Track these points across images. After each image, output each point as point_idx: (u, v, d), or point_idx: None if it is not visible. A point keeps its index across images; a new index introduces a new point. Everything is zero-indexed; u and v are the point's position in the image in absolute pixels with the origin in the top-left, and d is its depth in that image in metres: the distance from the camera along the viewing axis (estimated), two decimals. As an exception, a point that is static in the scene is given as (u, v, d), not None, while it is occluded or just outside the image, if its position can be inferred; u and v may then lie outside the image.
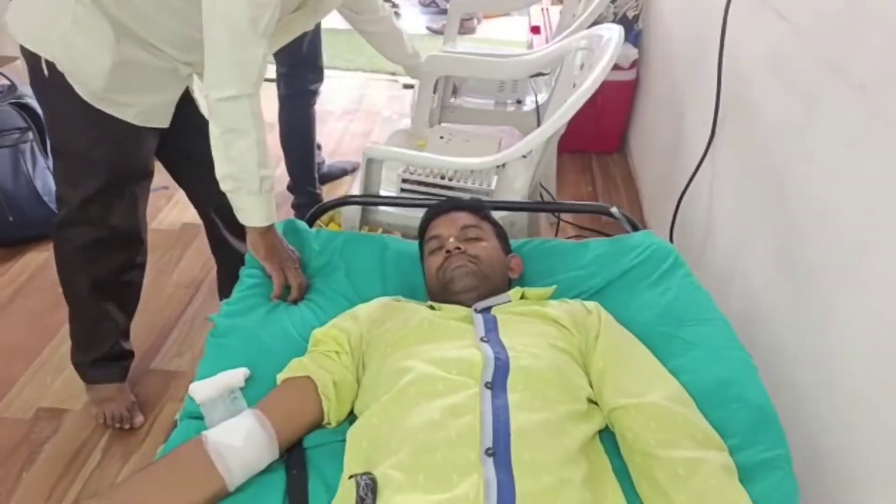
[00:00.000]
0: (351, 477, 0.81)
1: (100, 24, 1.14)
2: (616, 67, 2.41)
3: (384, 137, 2.03)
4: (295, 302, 1.18)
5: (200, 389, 0.98)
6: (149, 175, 1.42)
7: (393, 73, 3.52)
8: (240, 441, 0.87)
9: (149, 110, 1.26)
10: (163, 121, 1.30)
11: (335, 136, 2.87)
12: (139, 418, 1.56)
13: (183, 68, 1.26)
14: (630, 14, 2.46)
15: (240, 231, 1.67)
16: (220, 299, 1.85)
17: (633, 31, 2.47)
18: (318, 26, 1.99)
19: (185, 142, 1.37)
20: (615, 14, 2.41)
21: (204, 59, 1.10)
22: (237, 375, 1.00)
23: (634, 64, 2.46)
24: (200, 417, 0.96)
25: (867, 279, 0.90)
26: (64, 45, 1.16)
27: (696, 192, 1.64)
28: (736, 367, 1.01)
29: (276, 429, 0.90)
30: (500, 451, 0.79)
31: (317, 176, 2.23)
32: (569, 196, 2.42)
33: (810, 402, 1.03)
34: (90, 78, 1.18)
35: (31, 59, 1.20)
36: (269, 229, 1.19)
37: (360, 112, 3.12)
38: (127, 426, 1.54)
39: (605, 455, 0.91)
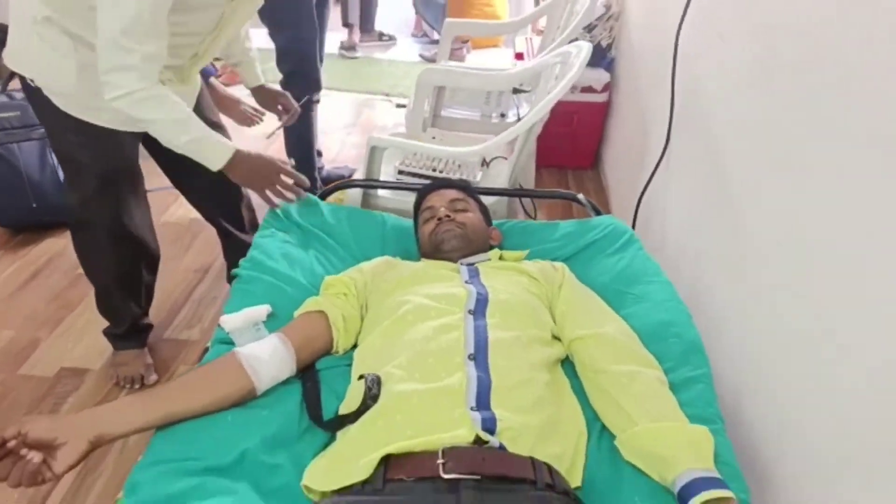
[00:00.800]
0: (360, 378, 1.00)
1: (58, 37, 1.23)
2: (590, 90, 2.71)
3: (381, 142, 2.26)
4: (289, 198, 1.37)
5: (230, 320, 1.16)
6: (136, 175, 1.52)
7: (387, 94, 3.79)
8: (266, 355, 1.05)
9: (120, 115, 1.30)
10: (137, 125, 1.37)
11: (335, 147, 3.10)
12: (153, 377, 1.73)
13: None
14: (604, 43, 2.74)
15: (241, 224, 1.86)
16: (229, 283, 2.03)
17: (607, 59, 2.75)
18: (321, 44, 2.24)
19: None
20: (590, 42, 2.68)
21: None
22: (261, 311, 1.19)
23: (607, 87, 2.73)
24: (229, 343, 1.15)
25: (791, 254, 1.09)
26: (35, 62, 1.29)
27: (653, 192, 1.87)
28: (675, 313, 1.22)
29: (295, 349, 1.08)
30: (479, 357, 1.00)
31: (318, 177, 2.45)
32: (547, 204, 2.65)
33: (740, 352, 1.24)
34: (61, 87, 1.29)
35: (21, 78, 1.33)
36: (233, 162, 1.30)
37: (357, 126, 3.37)
38: (138, 385, 1.70)
39: (565, 376, 1.11)
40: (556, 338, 1.17)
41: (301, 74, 2.14)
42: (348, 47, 4.37)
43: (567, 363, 1.15)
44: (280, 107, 1.71)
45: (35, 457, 0.84)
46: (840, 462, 0.87)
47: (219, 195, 1.37)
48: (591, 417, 1.05)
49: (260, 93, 1.72)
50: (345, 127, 3.34)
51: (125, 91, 1.16)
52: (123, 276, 1.63)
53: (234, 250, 1.87)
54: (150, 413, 0.94)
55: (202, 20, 1.30)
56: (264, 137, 1.75)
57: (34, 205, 2.20)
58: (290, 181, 1.36)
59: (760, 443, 1.07)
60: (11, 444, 0.84)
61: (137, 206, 1.56)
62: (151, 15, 1.11)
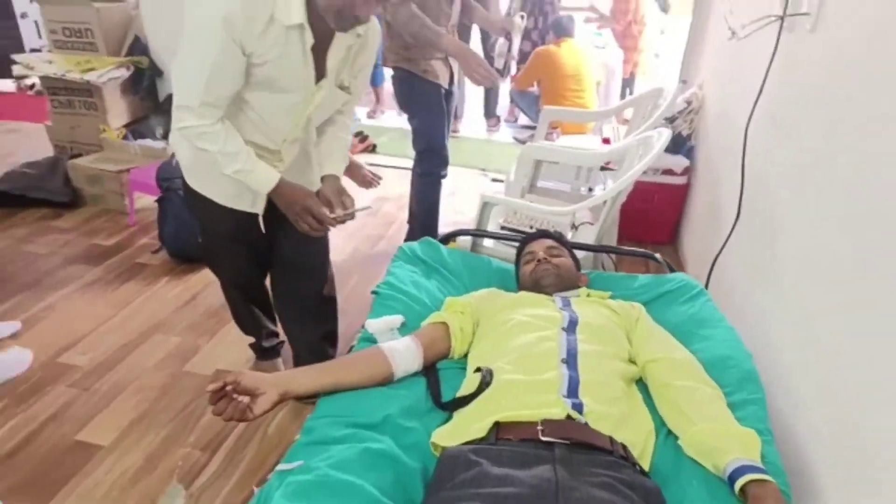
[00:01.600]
0: (476, 370, 1.30)
1: None
2: (670, 173, 3.01)
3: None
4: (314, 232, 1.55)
5: (373, 324, 1.50)
6: (246, 241, 1.75)
7: (483, 169, 4.23)
8: (402, 349, 1.36)
9: (229, 195, 1.60)
10: (247, 205, 1.63)
11: (435, 212, 3.52)
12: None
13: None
14: (684, 133, 3.05)
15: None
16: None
17: (686, 147, 3.05)
18: (448, 127, 2.68)
19: (281, 248, 1.72)
20: (672, 132, 3.01)
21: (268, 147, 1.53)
22: (396, 319, 1.52)
23: (686, 171, 3.01)
24: (372, 341, 1.48)
25: (831, 309, 1.34)
26: (173, 141, 1.64)
27: (724, 261, 2.11)
28: (736, 351, 1.44)
29: (423, 348, 1.40)
30: (570, 361, 1.27)
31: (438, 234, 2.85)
32: (627, 265, 2.88)
33: (796, 387, 1.44)
34: (184, 163, 1.65)
35: None
36: (278, 189, 1.52)
37: (455, 196, 3.79)
38: None
39: (638, 392, 1.36)
40: (631, 361, 1.42)
41: (431, 152, 2.59)
42: (452, 129, 4.98)
43: (640, 383, 1.40)
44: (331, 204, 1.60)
45: (244, 399, 1.18)
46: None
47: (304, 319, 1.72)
48: (659, 424, 1.28)
49: (324, 181, 1.66)
50: (444, 196, 3.76)
51: (184, 125, 1.42)
52: (244, 306, 2.00)
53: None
54: (319, 380, 1.27)
55: (286, 102, 1.50)
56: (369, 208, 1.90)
57: (199, 240, 2.69)
58: (313, 221, 1.54)
59: (811, 460, 1.26)
60: (228, 388, 1.17)
61: (246, 262, 1.84)
62: (210, 74, 1.36)
